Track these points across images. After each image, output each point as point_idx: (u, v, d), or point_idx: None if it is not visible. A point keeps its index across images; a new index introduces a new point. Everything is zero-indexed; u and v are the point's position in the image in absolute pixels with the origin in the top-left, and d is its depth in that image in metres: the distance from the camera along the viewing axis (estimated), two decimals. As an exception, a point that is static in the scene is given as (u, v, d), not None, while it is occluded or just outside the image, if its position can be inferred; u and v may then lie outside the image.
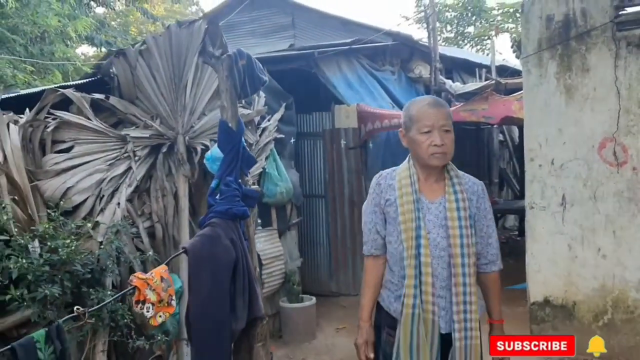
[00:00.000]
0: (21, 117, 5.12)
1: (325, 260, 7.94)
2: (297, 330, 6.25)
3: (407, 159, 2.79)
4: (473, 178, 2.74)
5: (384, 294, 2.71)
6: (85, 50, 24.19)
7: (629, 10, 4.81)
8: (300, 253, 7.25)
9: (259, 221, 6.36)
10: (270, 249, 6.37)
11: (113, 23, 23.74)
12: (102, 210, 4.88)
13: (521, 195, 9.94)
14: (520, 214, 9.21)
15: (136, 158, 5.36)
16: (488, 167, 11.59)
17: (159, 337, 4.29)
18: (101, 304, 3.16)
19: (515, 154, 12.47)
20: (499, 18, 20.60)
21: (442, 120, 2.59)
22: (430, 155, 2.58)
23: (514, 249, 9.98)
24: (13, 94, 7.37)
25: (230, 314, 3.13)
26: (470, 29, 22.66)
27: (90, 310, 2.52)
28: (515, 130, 12.41)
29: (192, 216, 5.69)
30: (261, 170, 6.42)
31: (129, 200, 5.18)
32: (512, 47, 21.95)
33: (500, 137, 12.22)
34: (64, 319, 2.49)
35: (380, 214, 2.69)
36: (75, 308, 2.40)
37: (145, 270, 4.99)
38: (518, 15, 17.37)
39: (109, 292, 4.15)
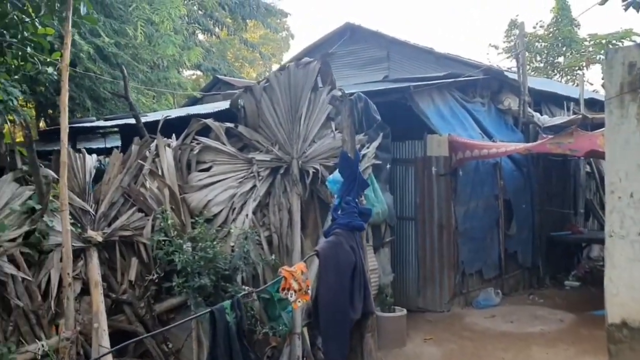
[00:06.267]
0: (169, 140, 6.24)
1: (413, 278, 8.61)
2: (389, 337, 6.94)
3: None
4: None
5: None
6: (186, 74, 26.18)
7: None
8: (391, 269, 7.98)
9: (358, 237, 7.17)
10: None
11: (212, 49, 25.51)
12: (234, 220, 5.87)
13: (607, 226, 10.22)
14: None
15: (259, 178, 6.34)
16: (574, 197, 11.83)
17: (280, 327, 5.15)
18: (266, 285, 4.04)
19: (602, 185, 12.60)
20: (590, 49, 20.58)
21: None
22: None
23: (597, 279, 10.21)
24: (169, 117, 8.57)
25: (349, 304, 3.93)
26: (561, 59, 22.71)
27: (257, 290, 3.41)
28: (603, 162, 12.55)
29: (302, 229, 6.58)
30: (361, 192, 7.24)
31: (253, 212, 6.16)
32: (603, 78, 21.87)
33: (587, 169, 12.42)
34: (240, 294, 3.40)
35: None
36: (246, 288, 3.29)
37: (264, 272, 5.95)
38: (611, 46, 17.44)
39: (244, 287, 5.07)
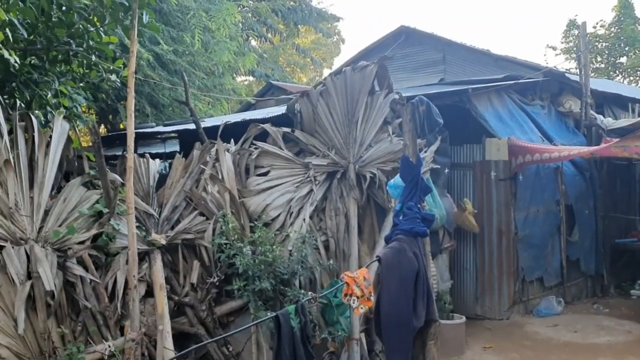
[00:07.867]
0: (228, 145, 6.32)
1: (471, 285, 8.43)
2: (447, 344, 6.79)
3: None
4: None
5: None
6: (239, 80, 26.54)
7: None
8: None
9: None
10: (425, 268, 7.03)
11: (265, 55, 25.78)
12: (291, 224, 5.89)
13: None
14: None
15: (316, 182, 6.34)
16: (640, 203, 11.34)
17: (338, 333, 5.12)
18: (329, 290, 4.03)
19: (671, 190, 12.03)
20: (656, 48, 19.78)
21: None
22: None
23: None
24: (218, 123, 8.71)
25: (412, 312, 3.87)
26: (623, 59, 21.89)
27: (320, 295, 3.40)
28: (671, 166, 12.00)
29: (359, 234, 6.53)
30: (419, 197, 7.13)
31: (310, 217, 6.16)
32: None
33: (655, 173, 11.87)
34: (304, 299, 3.39)
35: None
36: (310, 294, 3.28)
37: (321, 277, 5.93)
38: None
39: (302, 291, 5.06)
